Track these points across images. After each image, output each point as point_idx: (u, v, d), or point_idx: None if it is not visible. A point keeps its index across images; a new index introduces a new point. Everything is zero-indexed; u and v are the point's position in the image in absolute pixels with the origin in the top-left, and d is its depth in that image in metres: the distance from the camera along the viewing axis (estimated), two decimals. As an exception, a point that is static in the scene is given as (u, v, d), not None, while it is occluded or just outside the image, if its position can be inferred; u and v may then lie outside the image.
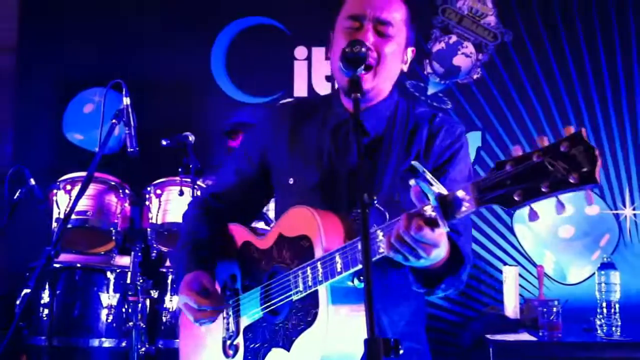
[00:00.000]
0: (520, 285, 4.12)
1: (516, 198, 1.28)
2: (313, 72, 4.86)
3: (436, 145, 1.91)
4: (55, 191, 3.91)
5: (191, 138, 4.05)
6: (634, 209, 4.57)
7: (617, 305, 3.54)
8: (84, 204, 3.81)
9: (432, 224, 1.43)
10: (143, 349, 3.50)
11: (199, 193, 3.77)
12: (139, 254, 3.65)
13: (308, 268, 1.72)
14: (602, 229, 4.59)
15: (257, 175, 2.10)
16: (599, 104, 4.67)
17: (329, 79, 4.82)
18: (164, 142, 4.01)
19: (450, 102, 4.78)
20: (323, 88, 4.81)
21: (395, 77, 1.96)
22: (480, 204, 1.35)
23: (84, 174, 3.59)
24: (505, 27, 4.81)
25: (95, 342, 3.66)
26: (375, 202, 1.44)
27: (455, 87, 4.80)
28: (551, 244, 4.62)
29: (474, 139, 4.71)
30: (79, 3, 5.00)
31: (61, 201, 3.88)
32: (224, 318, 1.99)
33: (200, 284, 1.90)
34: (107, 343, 3.68)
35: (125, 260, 3.82)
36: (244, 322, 1.94)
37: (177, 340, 2.35)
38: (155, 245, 3.97)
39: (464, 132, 1.96)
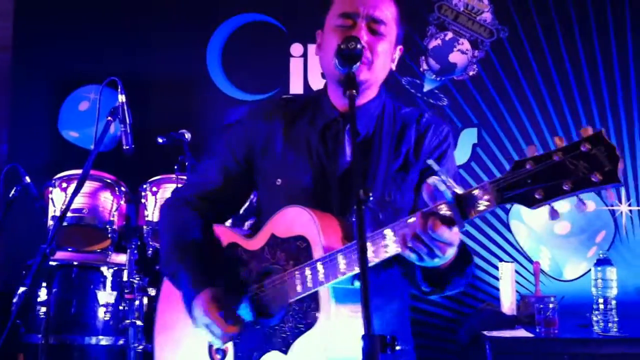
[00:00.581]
0: (516, 281, 4.14)
1: (537, 196, 1.29)
2: (309, 69, 4.85)
3: (425, 145, 1.92)
4: (50, 189, 3.89)
5: (187, 135, 4.06)
6: (629, 205, 4.58)
7: (613, 302, 3.55)
8: (79, 201, 3.80)
9: (448, 222, 1.43)
10: (140, 347, 3.49)
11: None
12: (135, 251, 3.64)
13: (307, 269, 1.69)
14: (598, 225, 4.59)
15: (242, 173, 2.02)
16: (595, 100, 4.68)
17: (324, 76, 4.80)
18: (159, 140, 4.01)
19: (446, 99, 4.77)
20: (319, 85, 4.78)
21: (385, 75, 1.95)
22: (501, 202, 1.36)
23: (79, 171, 3.61)
24: (501, 23, 4.81)
25: (92, 340, 3.66)
26: (371, 198, 1.43)
27: (451, 84, 4.80)
28: (547, 241, 4.62)
29: (469, 136, 4.70)
30: (74, 1, 4.98)
31: (57, 199, 3.87)
32: None
33: (220, 305, 1.80)
34: (104, 341, 3.67)
35: (121, 258, 3.81)
36: None
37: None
38: (151, 243, 3.97)
39: (450, 131, 1.97)
